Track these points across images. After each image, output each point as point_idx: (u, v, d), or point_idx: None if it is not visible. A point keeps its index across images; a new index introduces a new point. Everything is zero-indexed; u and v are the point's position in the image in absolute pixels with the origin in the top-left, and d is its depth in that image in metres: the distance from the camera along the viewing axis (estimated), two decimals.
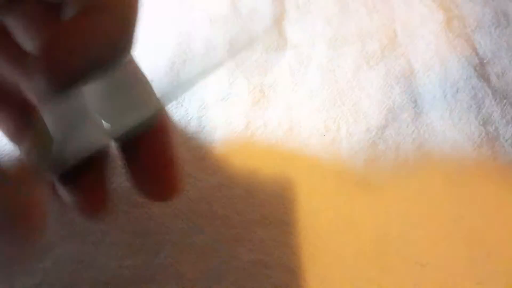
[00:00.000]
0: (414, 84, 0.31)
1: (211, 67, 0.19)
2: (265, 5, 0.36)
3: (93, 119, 0.20)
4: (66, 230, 0.24)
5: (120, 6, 0.19)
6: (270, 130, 0.29)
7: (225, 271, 0.23)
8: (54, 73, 0.18)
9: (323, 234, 0.24)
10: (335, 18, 0.35)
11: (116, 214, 0.25)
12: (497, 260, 0.23)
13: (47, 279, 0.23)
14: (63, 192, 0.21)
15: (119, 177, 0.25)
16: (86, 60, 0.19)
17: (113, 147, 0.21)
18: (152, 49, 0.34)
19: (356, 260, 0.23)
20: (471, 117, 0.29)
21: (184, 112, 0.29)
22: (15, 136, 0.24)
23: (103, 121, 0.20)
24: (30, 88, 0.19)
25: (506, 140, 0.27)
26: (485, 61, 0.32)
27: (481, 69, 0.31)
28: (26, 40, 0.22)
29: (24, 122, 0.24)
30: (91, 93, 0.20)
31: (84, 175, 0.20)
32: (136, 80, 0.21)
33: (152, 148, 0.21)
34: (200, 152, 0.27)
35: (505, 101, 0.29)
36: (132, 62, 0.22)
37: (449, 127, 0.28)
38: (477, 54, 0.32)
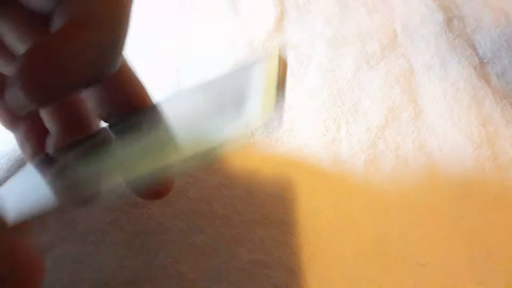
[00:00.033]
0: (414, 84, 0.31)
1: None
2: (265, 5, 0.36)
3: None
4: (66, 230, 0.24)
5: (109, 21, 0.19)
6: (270, 130, 0.29)
7: (225, 271, 0.23)
8: (29, 89, 0.18)
9: (323, 234, 0.24)
10: (335, 18, 0.35)
11: (116, 214, 0.25)
12: (497, 260, 0.23)
13: (47, 279, 0.23)
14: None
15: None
16: (64, 77, 0.18)
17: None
18: (152, 49, 0.34)
19: (356, 260, 0.23)
20: (471, 117, 0.29)
21: None
22: (11, 123, 0.24)
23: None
24: (9, 99, 0.19)
25: (506, 140, 0.27)
26: (485, 61, 0.32)
27: (481, 69, 0.31)
28: (16, 46, 0.22)
29: (42, 143, 0.24)
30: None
31: None
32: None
33: None
34: None
35: (505, 101, 0.29)
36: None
37: (449, 127, 0.28)
38: (477, 54, 0.32)
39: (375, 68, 0.32)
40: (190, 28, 0.35)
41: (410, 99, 0.30)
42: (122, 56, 0.23)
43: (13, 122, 0.25)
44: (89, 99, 0.23)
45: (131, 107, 0.23)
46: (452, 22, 0.34)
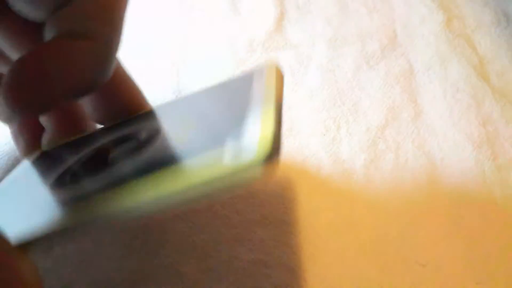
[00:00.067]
0: (414, 84, 0.31)
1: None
2: (265, 5, 0.36)
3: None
4: None
5: (101, 34, 0.19)
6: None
7: (225, 271, 0.23)
8: (13, 105, 0.18)
9: (323, 234, 0.24)
10: (335, 18, 0.35)
11: None
12: (497, 261, 0.23)
13: (47, 279, 0.23)
14: None
15: None
16: (52, 91, 0.18)
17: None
18: (152, 49, 0.34)
19: (356, 259, 0.23)
20: (471, 117, 0.29)
21: None
22: (25, 150, 0.24)
23: None
24: None
25: (506, 140, 0.27)
26: (485, 60, 0.32)
27: (481, 68, 0.31)
28: (10, 53, 0.22)
29: (37, 138, 0.24)
30: None
31: None
32: None
33: None
34: None
35: (504, 100, 0.29)
36: None
37: (449, 126, 0.28)
38: (477, 53, 0.32)
39: (375, 68, 0.32)
40: (190, 28, 0.35)
41: (410, 99, 0.30)
42: (116, 62, 0.23)
43: (28, 150, 0.25)
44: (85, 104, 0.23)
45: (127, 113, 0.23)
46: (452, 22, 0.34)
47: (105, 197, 0.16)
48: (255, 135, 0.16)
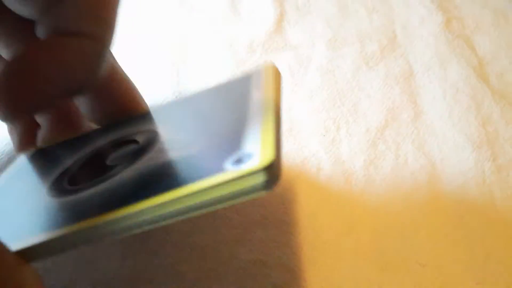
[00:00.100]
0: (414, 85, 0.31)
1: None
2: (264, 6, 0.37)
3: None
4: None
5: (93, 34, 0.19)
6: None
7: (225, 271, 0.23)
8: (8, 103, 0.18)
9: (323, 234, 0.24)
10: (334, 19, 0.36)
11: None
12: (497, 261, 0.23)
13: (47, 279, 0.23)
14: None
15: None
16: (42, 92, 0.18)
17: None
18: (152, 49, 0.34)
19: (356, 260, 0.23)
20: (470, 118, 0.29)
21: None
22: (19, 146, 0.24)
23: None
24: None
25: (506, 141, 0.27)
26: (484, 61, 0.32)
27: (480, 69, 0.31)
28: (4, 51, 0.22)
29: (31, 134, 0.24)
30: None
31: None
32: None
33: None
34: None
35: (504, 101, 0.29)
36: None
37: (448, 127, 0.28)
38: (476, 54, 0.32)
39: (374, 68, 0.32)
40: (190, 28, 0.35)
41: (409, 99, 0.30)
42: (112, 61, 0.23)
43: (23, 147, 0.25)
44: (81, 104, 0.23)
45: (123, 113, 0.23)
46: (451, 23, 0.34)
47: (107, 212, 0.16)
48: (256, 144, 0.16)
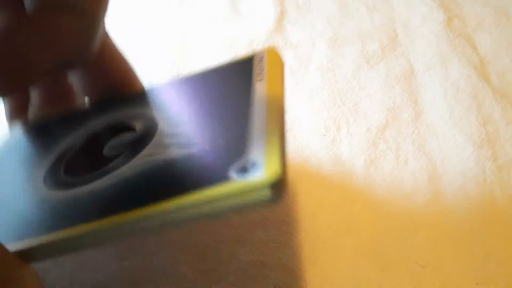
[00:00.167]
0: (415, 84, 0.31)
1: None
2: (265, 4, 0.36)
3: None
4: None
5: (86, 9, 0.18)
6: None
7: (225, 271, 0.23)
8: None
9: (323, 235, 0.24)
10: (335, 17, 0.35)
11: None
12: (497, 261, 0.23)
13: (47, 280, 0.23)
14: None
15: None
16: (33, 66, 0.17)
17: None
18: (152, 49, 0.34)
19: (356, 260, 0.23)
20: (471, 117, 0.29)
21: None
22: (10, 116, 0.24)
23: None
24: None
25: (507, 140, 0.27)
26: (485, 60, 0.32)
27: (481, 68, 0.31)
28: None
29: (23, 106, 0.23)
30: None
31: None
32: None
33: None
34: None
35: (505, 101, 0.29)
36: None
37: (449, 127, 0.28)
38: (477, 53, 0.32)
39: (375, 68, 0.32)
40: (190, 28, 0.35)
41: (410, 99, 0.30)
42: (106, 37, 0.22)
43: (14, 116, 0.24)
44: (73, 80, 0.23)
45: (117, 89, 0.23)
46: (453, 21, 0.34)
47: (110, 216, 0.16)
48: (261, 152, 0.15)
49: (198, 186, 0.15)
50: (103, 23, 0.19)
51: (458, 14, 0.35)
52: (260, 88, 0.19)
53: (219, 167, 0.16)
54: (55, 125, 0.23)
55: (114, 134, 0.21)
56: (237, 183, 0.15)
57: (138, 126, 0.21)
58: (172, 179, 0.16)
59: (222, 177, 0.15)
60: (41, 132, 0.23)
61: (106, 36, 0.22)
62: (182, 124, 0.19)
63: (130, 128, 0.21)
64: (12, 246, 0.16)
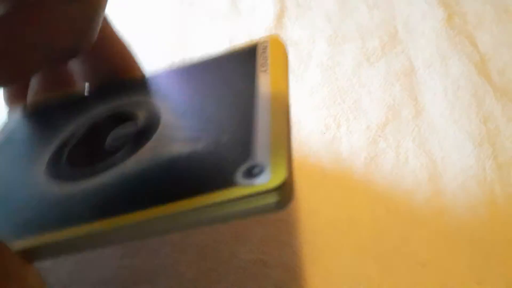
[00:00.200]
0: (415, 81, 0.31)
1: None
2: (265, 2, 0.36)
3: None
4: None
5: None
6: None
7: (225, 270, 0.23)
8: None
9: (323, 233, 0.24)
10: (335, 15, 0.35)
11: None
12: (498, 260, 0.23)
13: (47, 279, 0.23)
14: None
15: None
16: (34, 56, 0.17)
17: None
18: (152, 47, 0.34)
19: (356, 259, 0.23)
20: (471, 115, 0.29)
21: None
22: (10, 100, 0.23)
23: None
24: None
25: (507, 138, 0.27)
26: (486, 58, 0.32)
27: (482, 66, 0.31)
28: None
29: (23, 90, 0.23)
30: None
31: None
32: None
33: None
34: None
35: (505, 98, 0.29)
36: None
37: (449, 124, 0.28)
38: (478, 51, 0.32)
39: (375, 65, 0.32)
40: (190, 26, 0.35)
41: (410, 96, 0.30)
42: (105, 22, 0.22)
43: (12, 99, 0.24)
44: (74, 66, 0.22)
45: (117, 74, 0.22)
46: (453, 18, 0.34)
47: (115, 217, 0.16)
48: (267, 154, 0.15)
49: (204, 190, 0.15)
50: (104, 10, 0.19)
51: (459, 11, 0.35)
52: (265, 81, 0.19)
53: (225, 170, 0.15)
54: (55, 111, 0.22)
55: (116, 123, 0.20)
56: (243, 188, 0.14)
57: (141, 115, 0.20)
58: (177, 181, 0.16)
59: (228, 182, 0.15)
60: (40, 118, 0.22)
61: (106, 21, 0.22)
62: (185, 116, 0.19)
63: (132, 117, 0.20)
64: (15, 245, 0.16)
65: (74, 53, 0.19)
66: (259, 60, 0.20)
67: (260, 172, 0.14)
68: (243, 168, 0.15)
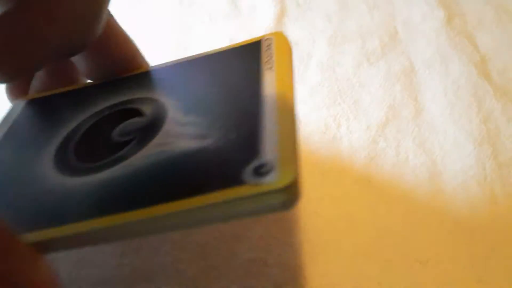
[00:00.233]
0: (415, 81, 0.31)
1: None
2: (265, 2, 0.36)
3: None
4: None
5: None
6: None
7: (225, 269, 0.23)
8: (2, 65, 0.17)
9: (323, 232, 0.24)
10: (335, 15, 0.35)
11: None
12: (498, 258, 0.23)
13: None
14: None
15: None
16: (39, 52, 0.17)
17: None
18: (152, 47, 0.34)
19: (356, 257, 0.23)
20: (471, 115, 0.29)
21: None
22: (12, 93, 0.23)
23: None
24: None
25: (507, 138, 0.27)
26: (486, 58, 0.32)
27: (482, 66, 0.31)
28: None
29: (25, 85, 0.23)
30: None
31: None
32: None
33: None
34: None
35: (505, 98, 0.29)
36: None
37: (449, 124, 0.28)
38: (478, 51, 0.32)
39: (375, 65, 0.32)
40: (190, 25, 0.35)
41: (410, 96, 0.30)
42: (109, 17, 0.22)
43: (15, 92, 0.24)
44: (78, 60, 0.22)
45: (122, 68, 0.22)
46: (453, 19, 0.34)
47: (127, 212, 0.15)
48: (274, 152, 0.15)
49: (211, 188, 0.15)
50: (108, 4, 0.19)
51: (459, 12, 0.35)
52: (270, 79, 0.18)
53: (233, 167, 0.15)
54: (59, 104, 0.22)
55: (122, 117, 0.20)
56: (252, 187, 0.14)
57: (147, 111, 0.20)
58: (184, 178, 0.16)
59: (236, 180, 0.14)
60: (44, 110, 0.22)
61: (110, 16, 0.22)
62: (191, 112, 0.19)
63: (138, 113, 0.20)
64: (27, 237, 0.16)
65: (80, 48, 0.19)
66: (264, 56, 0.20)
67: (269, 171, 0.14)
68: (251, 166, 0.15)
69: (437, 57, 0.32)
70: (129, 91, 0.21)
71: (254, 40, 0.22)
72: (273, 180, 0.14)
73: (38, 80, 0.23)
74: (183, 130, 0.18)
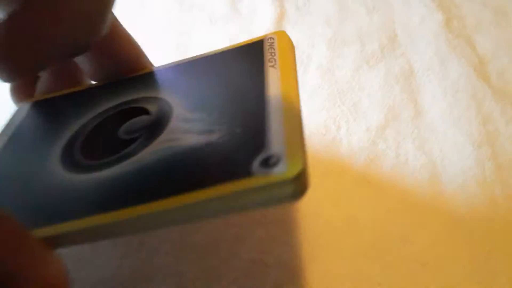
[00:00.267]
0: (414, 84, 0.31)
1: None
2: (265, 5, 0.37)
3: None
4: None
5: None
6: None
7: (225, 269, 0.23)
8: (7, 65, 0.17)
9: (323, 233, 0.24)
10: (334, 18, 0.36)
11: None
12: (498, 260, 0.23)
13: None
14: None
15: None
16: (44, 51, 0.17)
17: None
18: (152, 49, 0.34)
19: (356, 259, 0.23)
20: (470, 117, 0.29)
21: None
22: (16, 95, 0.23)
23: None
24: None
25: (506, 139, 0.27)
26: (484, 60, 0.32)
27: (480, 68, 0.31)
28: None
29: (30, 86, 0.23)
30: None
31: None
32: None
33: None
34: None
35: (504, 100, 0.29)
36: None
37: (449, 126, 0.28)
38: (476, 53, 0.32)
39: (375, 68, 0.32)
40: (190, 28, 0.35)
41: (410, 98, 0.30)
42: (113, 18, 0.22)
43: (20, 93, 0.24)
44: (82, 61, 0.22)
45: (126, 69, 0.22)
46: (452, 22, 0.34)
47: (139, 205, 0.16)
48: (282, 144, 0.15)
49: (220, 180, 0.15)
50: (113, 5, 0.19)
51: (457, 14, 0.35)
52: (274, 76, 0.19)
53: (241, 160, 0.15)
54: (64, 105, 0.22)
55: (128, 116, 0.21)
56: (261, 178, 0.14)
57: (153, 108, 0.20)
58: (193, 172, 0.16)
59: (245, 172, 0.15)
60: (50, 112, 0.22)
61: (114, 17, 0.22)
62: (196, 109, 0.19)
63: (143, 111, 0.20)
64: (38, 232, 0.16)
65: (85, 47, 0.19)
66: (267, 54, 0.20)
67: (277, 162, 0.14)
68: (259, 158, 0.15)
69: (436, 60, 0.32)
70: (134, 91, 0.22)
71: (257, 39, 0.22)
72: (282, 171, 0.14)
73: (43, 82, 0.23)
74: (189, 126, 0.18)
